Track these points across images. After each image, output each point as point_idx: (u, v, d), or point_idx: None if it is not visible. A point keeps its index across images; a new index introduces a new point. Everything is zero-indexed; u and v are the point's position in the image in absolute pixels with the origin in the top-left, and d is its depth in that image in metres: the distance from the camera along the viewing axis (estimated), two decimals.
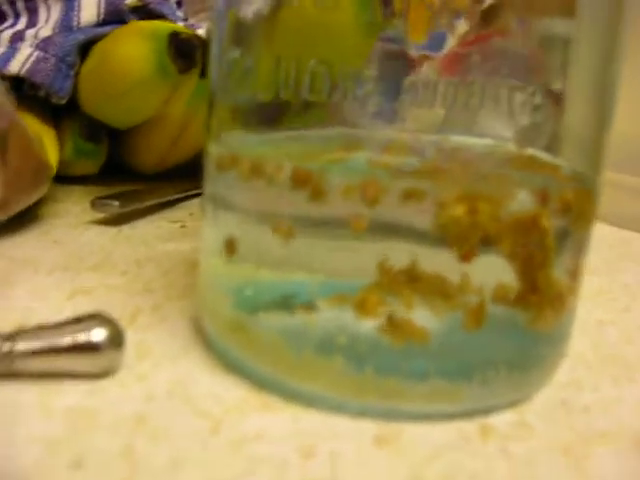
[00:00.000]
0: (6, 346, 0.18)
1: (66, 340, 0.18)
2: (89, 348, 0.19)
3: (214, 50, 0.21)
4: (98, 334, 0.19)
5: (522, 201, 0.18)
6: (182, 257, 0.29)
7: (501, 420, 0.19)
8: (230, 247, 0.20)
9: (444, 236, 0.18)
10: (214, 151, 0.20)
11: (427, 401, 0.18)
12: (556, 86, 0.21)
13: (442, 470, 0.16)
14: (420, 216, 0.18)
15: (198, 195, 0.38)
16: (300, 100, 0.20)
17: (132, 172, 0.40)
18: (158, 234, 0.32)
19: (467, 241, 0.17)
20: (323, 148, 0.22)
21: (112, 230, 0.32)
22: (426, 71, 0.20)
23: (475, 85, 0.20)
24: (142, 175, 0.40)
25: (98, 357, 0.19)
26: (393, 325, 0.18)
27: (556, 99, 0.21)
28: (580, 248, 0.20)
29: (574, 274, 0.20)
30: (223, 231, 0.20)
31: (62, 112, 0.37)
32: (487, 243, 0.18)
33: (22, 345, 0.18)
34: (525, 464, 0.17)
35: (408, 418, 0.18)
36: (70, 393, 0.18)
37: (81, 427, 0.17)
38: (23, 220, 0.31)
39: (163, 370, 0.20)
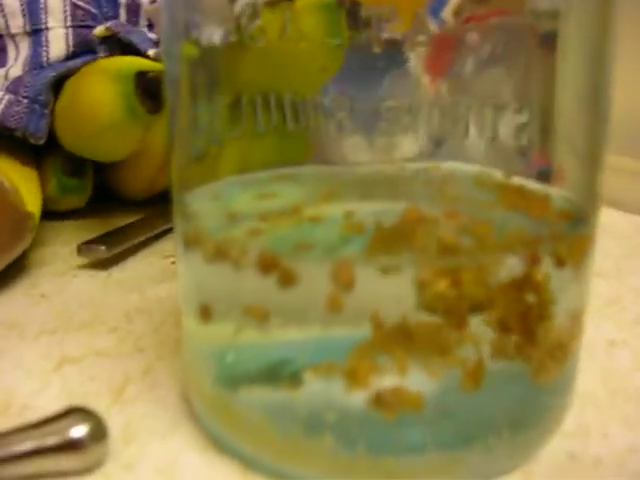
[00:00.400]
0: None
1: (48, 441, 0.18)
2: (72, 446, 0.18)
3: (168, 92, 0.20)
4: (79, 431, 0.18)
5: (511, 265, 0.17)
6: (173, 305, 0.28)
7: None
8: (205, 312, 0.19)
9: (431, 312, 0.16)
10: (179, 224, 0.19)
11: (425, 477, 0.17)
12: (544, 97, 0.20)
13: None
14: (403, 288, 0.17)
15: None
16: (266, 136, 0.19)
17: (121, 200, 0.39)
18: (149, 274, 0.31)
19: (455, 314, 0.16)
20: (300, 196, 0.21)
21: (101, 274, 0.31)
22: (411, 68, 0.19)
23: (460, 107, 0.19)
24: (131, 202, 0.39)
25: (82, 454, 0.18)
26: (385, 397, 0.17)
27: (544, 115, 0.20)
28: (580, 292, 0.19)
29: (576, 319, 0.19)
30: (197, 296, 0.19)
31: (43, 149, 0.36)
32: (478, 310, 0.17)
33: (1, 452, 0.18)
34: None
35: None
36: None
37: None
38: (8, 272, 0.30)
39: (150, 455, 0.19)
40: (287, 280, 0.16)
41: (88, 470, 0.18)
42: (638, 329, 0.26)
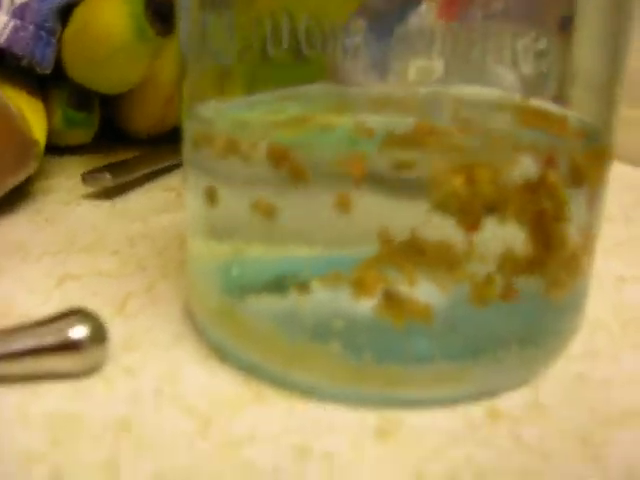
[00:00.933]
0: None
1: (46, 340, 0.17)
2: (70, 347, 0.18)
3: (183, 8, 0.19)
4: (79, 331, 0.18)
5: (526, 166, 0.16)
6: (177, 231, 0.27)
7: (512, 402, 0.17)
8: (212, 198, 0.19)
9: (444, 211, 0.16)
10: (188, 127, 0.19)
11: (431, 386, 0.17)
12: (563, 27, 0.19)
13: (448, 466, 0.15)
14: (416, 184, 0.16)
15: None
16: (286, 55, 0.18)
17: (128, 138, 0.39)
18: (152, 206, 0.31)
19: (469, 212, 0.16)
20: (310, 109, 0.20)
21: (105, 204, 0.31)
22: (423, 14, 0.18)
23: (475, 32, 0.18)
24: (138, 140, 0.38)
25: (80, 355, 0.18)
26: (393, 303, 0.17)
27: (563, 43, 0.19)
28: (593, 208, 0.19)
29: (588, 235, 0.19)
30: (203, 208, 0.19)
31: (49, 81, 0.35)
32: (492, 210, 0.16)
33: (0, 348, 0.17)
34: (540, 454, 0.16)
35: (411, 406, 0.17)
36: (51, 397, 0.17)
37: (61, 437, 0.16)
38: (14, 199, 0.30)
39: (151, 363, 0.19)
40: (297, 174, 0.16)
41: (86, 373, 0.18)
42: None
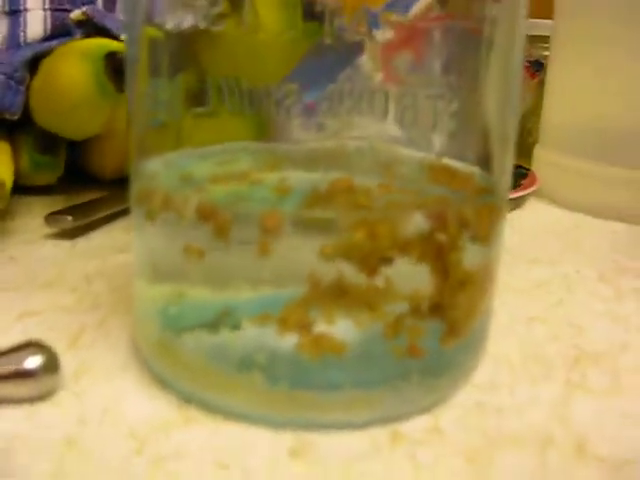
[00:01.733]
0: None
1: (4, 369, 0.20)
2: (25, 375, 0.20)
3: (128, 70, 0.22)
4: (33, 361, 0.20)
5: (419, 222, 0.19)
6: (132, 271, 0.30)
7: (413, 426, 0.20)
8: (151, 269, 0.21)
9: (348, 259, 0.19)
10: (134, 185, 0.22)
11: (341, 411, 0.20)
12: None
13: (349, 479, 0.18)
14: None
15: None
16: (226, 113, 0.21)
17: (91, 180, 0.42)
18: (111, 245, 0.33)
19: (369, 261, 0.19)
20: (245, 165, 0.23)
21: (67, 244, 0.33)
22: (363, 66, 0.21)
23: (406, 95, 0.21)
24: (101, 182, 0.41)
25: (34, 383, 0.20)
26: (312, 340, 0.19)
27: (472, 106, 0.22)
28: (487, 257, 0.22)
29: (484, 280, 0.22)
30: (146, 254, 0.22)
31: (16, 126, 0.38)
32: (388, 260, 0.19)
33: None
34: (430, 471, 0.18)
35: (324, 428, 0.20)
36: (7, 418, 0.20)
37: (13, 451, 0.18)
38: None
39: (99, 390, 0.21)
40: (221, 230, 0.18)
41: (40, 398, 0.20)
42: (559, 310, 0.28)
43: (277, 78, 0.21)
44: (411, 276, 0.20)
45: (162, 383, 0.21)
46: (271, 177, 0.21)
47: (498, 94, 0.22)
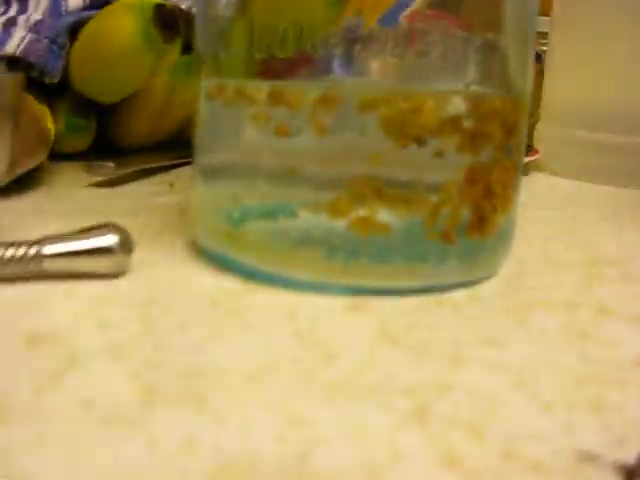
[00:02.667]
0: (34, 249, 0.22)
1: (85, 244, 0.22)
2: (104, 251, 0.22)
3: (199, 15, 0.25)
4: (112, 239, 0.22)
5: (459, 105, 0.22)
6: (173, 207, 0.32)
7: (455, 295, 0.22)
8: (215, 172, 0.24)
9: (388, 128, 0.21)
10: (203, 86, 0.24)
11: (390, 279, 0.22)
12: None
13: (406, 324, 0.20)
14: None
15: (184, 164, 0.42)
16: (271, 57, 0.23)
17: (119, 151, 0.44)
18: (150, 191, 0.36)
19: (406, 135, 0.21)
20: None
21: (107, 190, 0.35)
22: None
23: (430, 34, 0.23)
24: (130, 151, 0.43)
25: (111, 259, 0.22)
26: (360, 221, 0.22)
27: (493, 39, 0.25)
28: (516, 147, 0.24)
29: (514, 173, 0.24)
30: (211, 169, 0.24)
31: (53, 92, 0.40)
32: (422, 142, 0.22)
33: (48, 249, 0.22)
34: (475, 320, 0.21)
35: (375, 293, 0.22)
36: (90, 286, 0.22)
37: (103, 305, 0.21)
38: (27, 184, 0.35)
39: (165, 272, 0.23)
40: (292, 107, 0.21)
41: (116, 275, 0.23)
42: (570, 233, 0.31)
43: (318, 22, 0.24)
44: (445, 167, 0.23)
45: (224, 267, 0.24)
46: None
47: (518, 22, 0.25)
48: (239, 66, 0.24)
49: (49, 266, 0.22)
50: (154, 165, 0.38)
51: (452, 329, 0.20)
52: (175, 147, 0.43)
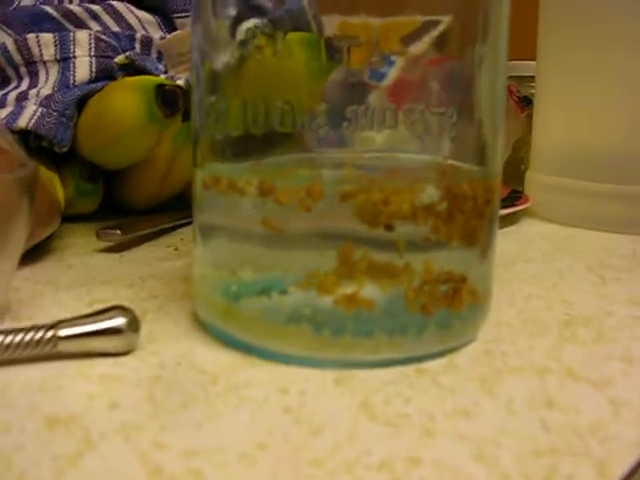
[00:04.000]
0: (50, 333, 0.25)
1: (96, 326, 0.25)
2: (114, 331, 0.25)
3: (195, 97, 0.28)
4: (120, 321, 0.25)
5: (429, 195, 0.25)
6: (179, 272, 0.35)
7: (433, 364, 0.25)
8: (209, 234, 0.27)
9: (360, 215, 0.24)
10: (199, 175, 0.27)
11: (373, 352, 0.25)
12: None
13: (385, 397, 0.23)
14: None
15: (186, 224, 0.45)
16: (264, 133, 0.26)
17: (125, 210, 0.47)
18: (156, 256, 0.38)
19: (376, 222, 0.24)
20: (286, 169, 0.29)
21: (115, 256, 0.38)
22: (374, 98, 0.27)
23: (412, 111, 0.26)
24: (134, 211, 0.47)
25: (120, 338, 0.25)
26: (345, 298, 0.25)
27: (467, 116, 0.28)
28: (489, 225, 0.27)
29: (486, 261, 0.27)
30: (211, 249, 0.27)
31: (61, 159, 0.43)
32: (390, 228, 0.24)
33: (62, 332, 0.25)
34: (450, 390, 0.23)
35: (360, 366, 0.25)
36: (102, 365, 0.25)
37: (113, 385, 0.23)
38: (39, 252, 0.38)
39: (170, 348, 0.26)
40: (279, 201, 0.24)
41: (124, 353, 0.25)
42: (553, 290, 0.33)
43: (304, 98, 0.26)
44: (423, 252, 0.25)
45: (223, 341, 0.26)
46: (303, 172, 0.27)
47: (488, 101, 0.28)
48: (232, 147, 0.27)
49: (64, 347, 0.25)
50: (158, 228, 0.41)
51: (428, 401, 0.23)
52: (177, 208, 0.46)
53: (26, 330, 0.25)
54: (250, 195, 0.25)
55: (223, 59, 0.27)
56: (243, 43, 0.27)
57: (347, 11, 0.26)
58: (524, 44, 0.56)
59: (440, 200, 0.25)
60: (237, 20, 0.27)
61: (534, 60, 0.54)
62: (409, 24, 0.26)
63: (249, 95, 0.26)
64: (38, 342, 0.25)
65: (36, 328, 0.25)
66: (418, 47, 0.26)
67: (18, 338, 0.24)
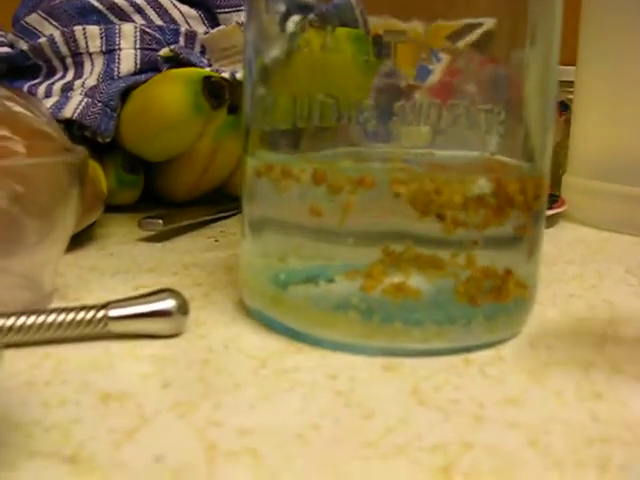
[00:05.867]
0: (101, 313, 0.25)
1: (147, 307, 0.25)
2: (164, 314, 0.25)
3: (246, 90, 0.28)
4: (170, 303, 0.26)
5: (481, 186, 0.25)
6: (221, 262, 0.36)
7: (480, 354, 0.25)
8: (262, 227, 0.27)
9: (412, 203, 0.24)
10: (251, 163, 0.27)
11: (422, 341, 0.25)
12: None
13: (434, 384, 0.23)
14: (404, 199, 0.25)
15: (226, 217, 0.45)
16: (312, 126, 0.27)
17: (164, 202, 0.48)
18: (197, 247, 0.39)
19: (428, 211, 0.24)
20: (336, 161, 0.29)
21: (157, 245, 0.39)
22: (420, 94, 0.27)
23: (457, 107, 0.26)
24: (173, 203, 0.47)
25: (169, 321, 0.26)
26: (393, 287, 0.25)
27: (516, 114, 0.28)
28: (534, 225, 0.27)
29: (533, 256, 0.27)
30: (262, 237, 0.27)
31: (103, 149, 0.44)
32: (441, 218, 0.25)
33: (113, 312, 0.25)
34: (498, 380, 0.23)
35: (408, 354, 0.25)
36: (151, 346, 0.25)
37: (165, 365, 0.24)
38: (82, 239, 0.38)
39: (217, 332, 0.27)
40: (332, 188, 0.24)
41: (173, 335, 0.26)
42: (592, 290, 0.34)
43: (351, 93, 0.27)
44: (473, 244, 0.26)
45: (270, 328, 0.27)
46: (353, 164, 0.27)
47: (538, 102, 0.28)
48: (282, 139, 0.28)
49: (114, 328, 0.25)
50: (198, 220, 0.42)
51: (476, 389, 0.23)
52: (216, 200, 0.46)
53: (77, 309, 0.25)
54: (304, 182, 0.25)
55: (273, 53, 0.28)
56: (292, 36, 0.27)
57: (394, 12, 0.26)
58: (562, 49, 0.56)
59: (491, 193, 0.25)
60: (286, 15, 0.27)
61: (570, 65, 0.54)
62: (455, 26, 0.27)
63: (297, 89, 0.27)
64: (89, 322, 0.25)
65: (87, 308, 0.25)
66: (465, 45, 0.27)
67: (70, 317, 0.25)
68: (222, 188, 0.47)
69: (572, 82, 0.56)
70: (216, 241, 0.40)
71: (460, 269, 0.25)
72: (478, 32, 0.27)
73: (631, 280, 0.36)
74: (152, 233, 0.40)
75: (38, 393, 0.22)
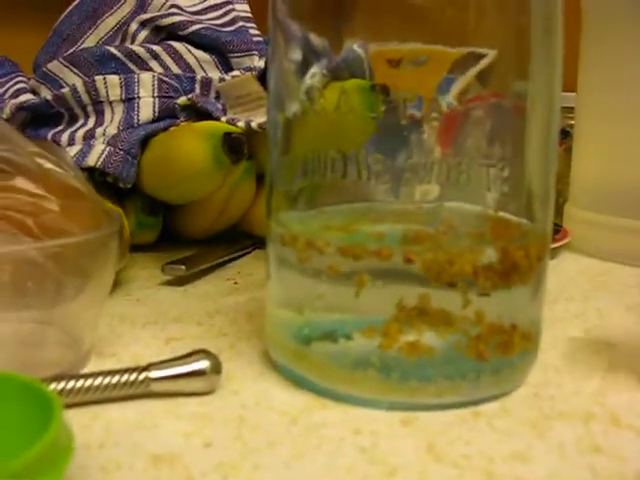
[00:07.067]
0: (143, 375, 0.28)
1: (184, 369, 0.29)
2: (199, 373, 0.29)
3: (271, 151, 0.31)
4: (204, 364, 0.29)
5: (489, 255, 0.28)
6: (242, 308, 0.39)
7: (487, 407, 0.28)
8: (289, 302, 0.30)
9: (426, 271, 0.27)
10: (275, 229, 0.31)
11: (436, 396, 0.28)
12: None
13: (448, 439, 0.26)
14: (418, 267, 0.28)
15: (241, 256, 0.48)
16: (326, 183, 0.30)
17: (182, 239, 0.51)
18: (217, 291, 0.42)
19: (440, 279, 0.28)
20: (354, 220, 0.32)
21: (179, 289, 0.42)
22: (427, 150, 0.30)
23: (462, 164, 0.30)
24: (191, 241, 0.50)
25: (204, 380, 0.29)
26: (409, 345, 0.28)
27: (519, 171, 0.31)
28: (536, 290, 0.30)
29: (536, 305, 0.30)
30: (286, 290, 0.30)
31: (123, 193, 0.47)
32: (452, 285, 0.28)
33: (153, 374, 0.28)
34: (505, 433, 0.27)
35: (423, 409, 0.28)
36: (189, 404, 0.28)
37: (204, 424, 0.27)
38: None
39: (248, 388, 0.30)
40: (355, 258, 0.28)
41: (208, 393, 0.29)
42: (595, 331, 0.37)
43: (359, 146, 0.30)
44: (479, 302, 0.29)
45: (296, 383, 0.30)
46: (366, 228, 0.30)
47: (540, 160, 0.31)
48: (301, 196, 0.31)
49: (155, 387, 0.28)
50: (217, 262, 0.45)
51: (486, 443, 0.26)
52: (231, 238, 0.50)
53: (122, 372, 0.28)
54: (327, 254, 0.28)
55: (294, 108, 0.31)
56: (309, 89, 0.30)
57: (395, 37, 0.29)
58: (562, 76, 0.59)
59: (498, 262, 0.28)
60: (303, 64, 0.30)
61: (571, 92, 0.57)
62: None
63: (313, 146, 0.30)
64: (132, 383, 0.28)
65: (130, 370, 0.28)
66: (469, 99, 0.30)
67: (115, 379, 0.28)
68: (237, 226, 0.51)
69: (572, 108, 0.59)
70: (235, 283, 0.43)
71: (470, 325, 0.28)
72: (481, 65, 0.30)
73: (632, 318, 0.39)
74: (172, 277, 0.43)
75: (95, 457, 0.25)
